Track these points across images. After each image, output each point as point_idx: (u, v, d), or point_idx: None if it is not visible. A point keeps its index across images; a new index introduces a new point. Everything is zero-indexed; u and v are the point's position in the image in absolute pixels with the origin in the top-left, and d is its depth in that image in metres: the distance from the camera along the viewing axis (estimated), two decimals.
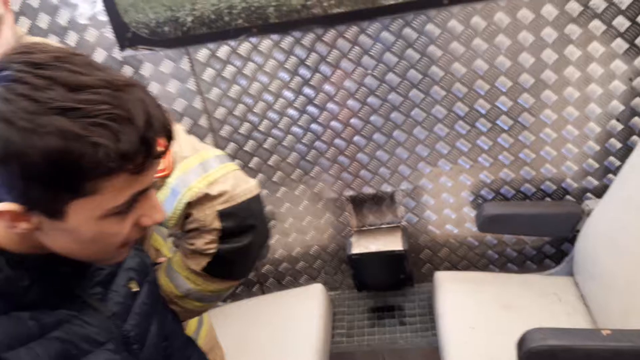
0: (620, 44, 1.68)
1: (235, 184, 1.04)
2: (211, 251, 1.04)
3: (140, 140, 0.62)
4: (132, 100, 0.62)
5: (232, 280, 1.12)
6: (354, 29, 1.77)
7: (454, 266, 2.18)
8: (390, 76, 1.84)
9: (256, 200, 1.07)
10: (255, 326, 2.02)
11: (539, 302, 1.85)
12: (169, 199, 1.03)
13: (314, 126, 1.96)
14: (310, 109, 1.93)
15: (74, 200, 0.63)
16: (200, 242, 1.03)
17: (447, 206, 2.07)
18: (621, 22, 1.66)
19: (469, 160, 1.96)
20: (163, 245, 1.29)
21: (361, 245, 2.11)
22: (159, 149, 0.66)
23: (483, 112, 1.86)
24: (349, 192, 2.10)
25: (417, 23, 1.74)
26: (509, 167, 1.95)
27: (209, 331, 1.38)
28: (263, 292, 2.34)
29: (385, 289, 2.24)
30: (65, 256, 0.70)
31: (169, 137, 0.67)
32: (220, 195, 1.02)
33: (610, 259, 1.69)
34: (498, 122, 1.87)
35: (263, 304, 2.16)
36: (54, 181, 0.61)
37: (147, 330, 0.87)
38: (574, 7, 1.67)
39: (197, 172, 1.03)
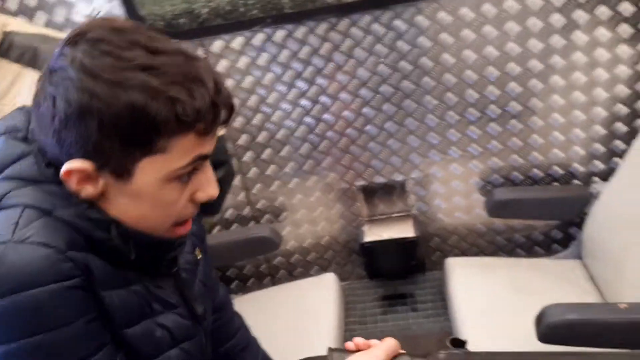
0: (625, 29, 1.74)
1: None
2: None
3: (211, 101, 0.66)
4: (202, 67, 0.67)
5: (207, 216, 1.21)
6: (367, 17, 1.81)
7: (463, 253, 2.22)
8: (403, 64, 1.88)
9: (222, 138, 1.22)
10: (269, 316, 2.03)
11: (549, 285, 1.88)
12: None
13: (326, 116, 1.99)
14: (323, 98, 1.96)
15: (144, 158, 0.66)
16: None
17: (457, 193, 2.11)
18: (626, 8, 1.71)
19: (478, 147, 2.00)
20: None
21: (373, 234, 2.14)
22: (224, 116, 0.70)
23: (493, 98, 1.90)
24: (360, 182, 2.13)
25: (429, 11, 1.79)
26: (518, 152, 1.99)
27: None
28: (274, 285, 2.35)
29: (397, 277, 2.27)
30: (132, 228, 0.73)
31: (231, 109, 0.72)
32: None
33: (619, 240, 1.73)
34: (507, 108, 1.91)
35: (276, 294, 2.17)
36: (130, 135, 0.64)
37: (206, 299, 0.91)
38: None
39: None
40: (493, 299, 1.82)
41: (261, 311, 2.05)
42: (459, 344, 0.72)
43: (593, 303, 1.55)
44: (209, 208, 1.23)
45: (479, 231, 2.19)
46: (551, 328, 1.41)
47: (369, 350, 0.73)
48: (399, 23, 1.82)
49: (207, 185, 0.74)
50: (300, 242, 2.28)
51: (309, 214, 2.20)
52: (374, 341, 0.75)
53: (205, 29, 1.85)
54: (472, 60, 1.85)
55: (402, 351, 0.75)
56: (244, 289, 2.34)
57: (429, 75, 1.89)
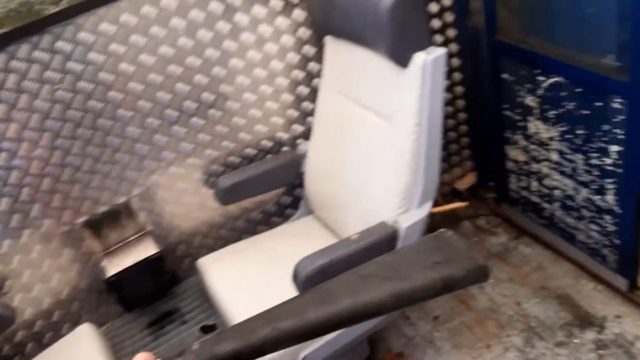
0: (277, 3, 1.91)
1: None
2: None
3: None
4: None
5: None
6: (25, 47, 1.65)
7: (211, 250, 2.22)
8: (82, 84, 1.77)
9: None
10: None
11: (295, 245, 2.02)
12: None
13: (16, 162, 1.78)
14: (6, 144, 1.75)
15: None
16: None
17: (185, 195, 2.11)
18: None
19: (188, 144, 2.01)
20: None
21: (115, 265, 2.01)
22: None
23: (184, 94, 1.92)
24: (82, 218, 1.97)
25: (89, 25, 1.71)
26: (227, 138, 2.06)
27: None
28: None
29: (156, 299, 2.19)
30: None
31: None
32: None
33: (330, 185, 1.95)
34: (201, 100, 1.96)
35: None
36: None
37: None
38: None
39: None
40: (251, 278, 1.89)
41: None
42: (209, 329, 0.72)
43: (332, 244, 1.71)
44: None
45: (219, 223, 2.23)
46: (307, 279, 1.53)
47: None
48: (61, 44, 1.70)
49: None
50: (39, 306, 2.02)
51: (36, 272, 1.96)
52: None
53: None
54: (151, 63, 1.83)
55: (157, 358, 0.72)
56: None
57: (113, 88, 1.82)
